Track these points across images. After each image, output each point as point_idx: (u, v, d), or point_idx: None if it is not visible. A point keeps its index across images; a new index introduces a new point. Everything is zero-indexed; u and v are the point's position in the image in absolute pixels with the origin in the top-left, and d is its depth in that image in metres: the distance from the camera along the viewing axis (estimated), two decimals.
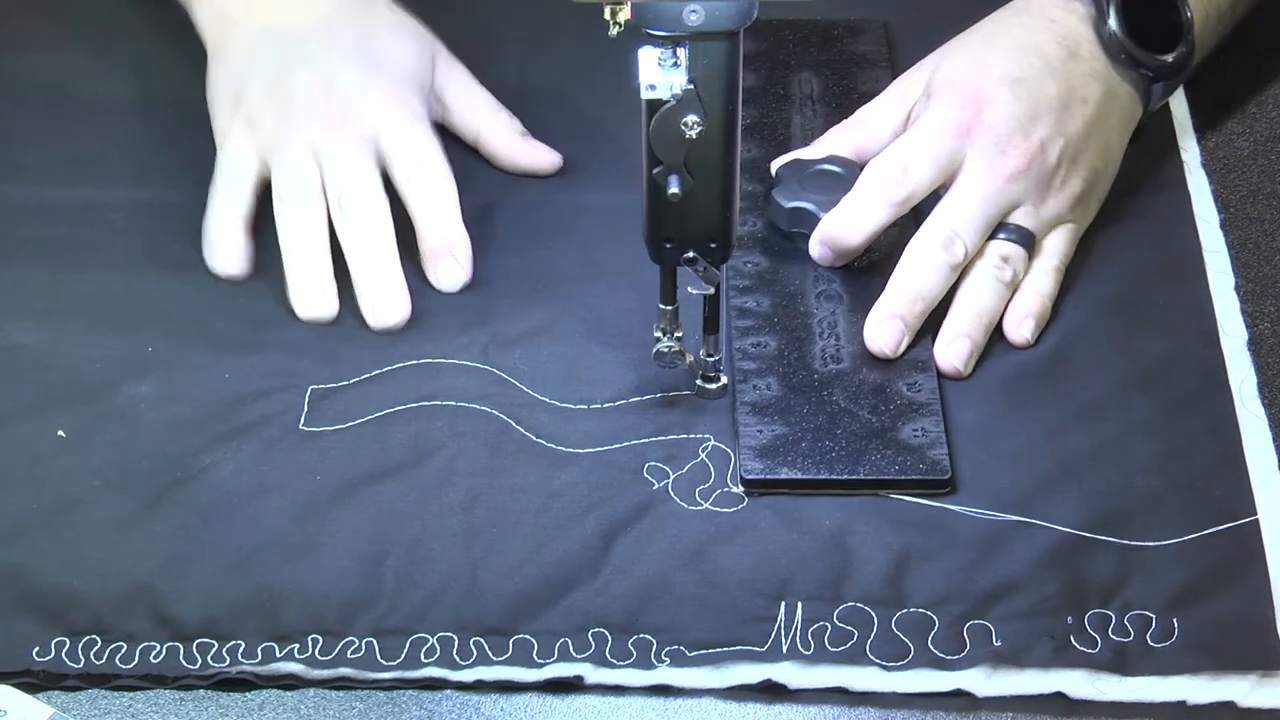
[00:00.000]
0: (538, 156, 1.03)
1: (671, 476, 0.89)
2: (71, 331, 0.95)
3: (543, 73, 1.10)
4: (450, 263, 0.97)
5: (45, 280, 0.98)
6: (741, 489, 0.88)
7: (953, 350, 0.93)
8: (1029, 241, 0.95)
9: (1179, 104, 1.07)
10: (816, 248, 0.96)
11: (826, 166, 0.98)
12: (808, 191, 0.97)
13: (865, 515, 0.87)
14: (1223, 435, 0.90)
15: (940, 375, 0.92)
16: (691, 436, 0.90)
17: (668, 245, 0.87)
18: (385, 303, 0.95)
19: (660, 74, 0.81)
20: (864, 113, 1.01)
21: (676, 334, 0.90)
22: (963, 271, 0.95)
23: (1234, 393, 0.91)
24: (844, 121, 1.01)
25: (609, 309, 0.96)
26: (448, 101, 1.04)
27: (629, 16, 0.80)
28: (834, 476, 0.88)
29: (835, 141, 1.00)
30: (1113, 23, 0.98)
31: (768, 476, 0.88)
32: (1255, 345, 0.94)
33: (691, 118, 0.82)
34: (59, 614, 0.83)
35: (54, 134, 1.06)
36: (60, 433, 0.90)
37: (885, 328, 0.93)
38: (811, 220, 0.96)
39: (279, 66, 1.00)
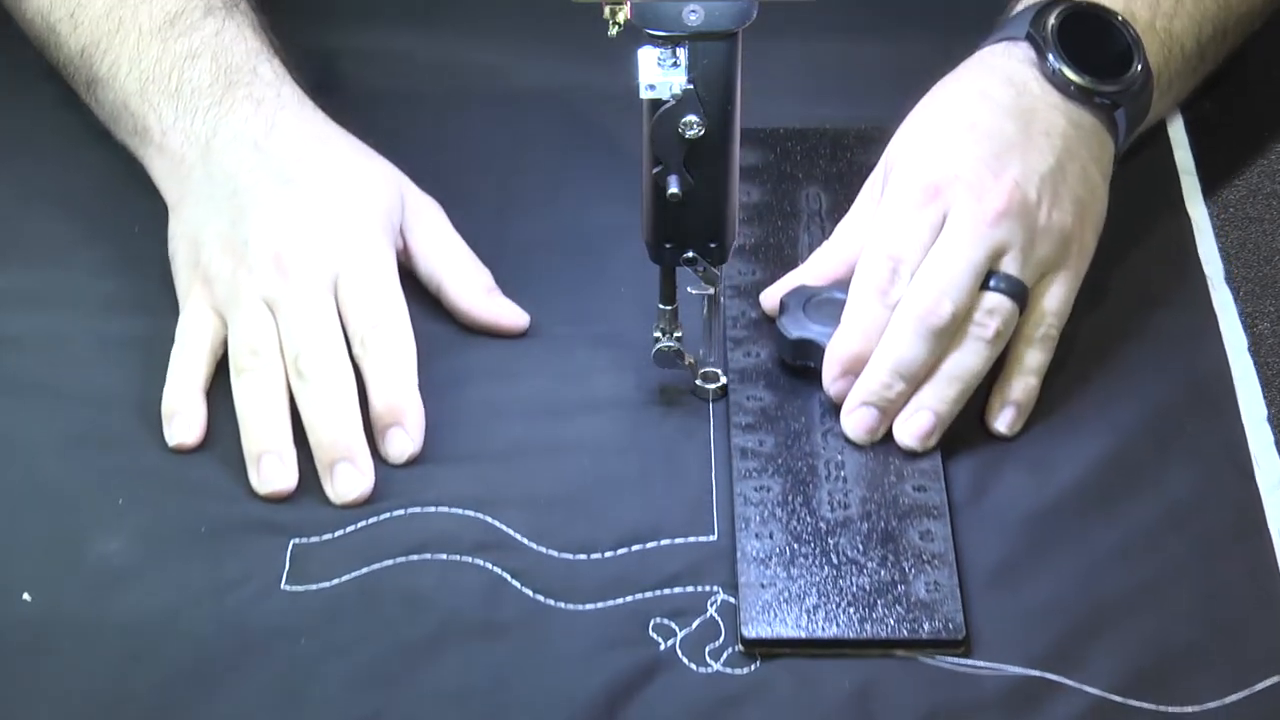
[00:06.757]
0: (501, 315, 0.97)
1: (679, 635, 0.84)
2: (37, 480, 0.90)
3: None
4: (398, 433, 0.90)
5: (5, 424, 0.92)
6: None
7: (911, 425, 0.90)
8: (1019, 291, 0.91)
9: (1196, 208, 1.03)
10: (836, 383, 0.91)
11: (834, 294, 0.93)
12: (814, 322, 0.92)
13: (888, 675, 0.82)
14: (1263, 577, 0.85)
15: (952, 515, 0.87)
16: (698, 589, 0.85)
17: (667, 245, 0.87)
18: (345, 479, 0.89)
19: (660, 74, 0.82)
20: (843, 227, 0.97)
21: (676, 334, 0.90)
22: None
23: (1271, 532, 0.87)
24: (826, 242, 0.97)
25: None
26: (412, 247, 0.98)
27: (629, 16, 0.81)
28: (840, 636, 0.83)
29: (822, 263, 0.96)
30: (1051, 58, 0.95)
31: (769, 636, 0.83)
32: (1255, 345, 0.92)
33: (691, 118, 0.83)
34: None
35: (13, 260, 1.01)
36: (26, 596, 0.85)
37: (856, 417, 0.90)
38: (818, 352, 0.91)
39: (235, 215, 0.95)
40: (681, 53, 0.82)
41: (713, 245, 0.87)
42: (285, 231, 0.93)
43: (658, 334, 0.90)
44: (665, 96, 0.82)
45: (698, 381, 0.92)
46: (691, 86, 0.82)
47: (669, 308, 0.90)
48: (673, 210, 0.86)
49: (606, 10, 0.81)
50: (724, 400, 0.93)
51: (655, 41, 0.82)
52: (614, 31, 0.81)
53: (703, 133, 0.84)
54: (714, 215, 0.87)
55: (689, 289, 0.89)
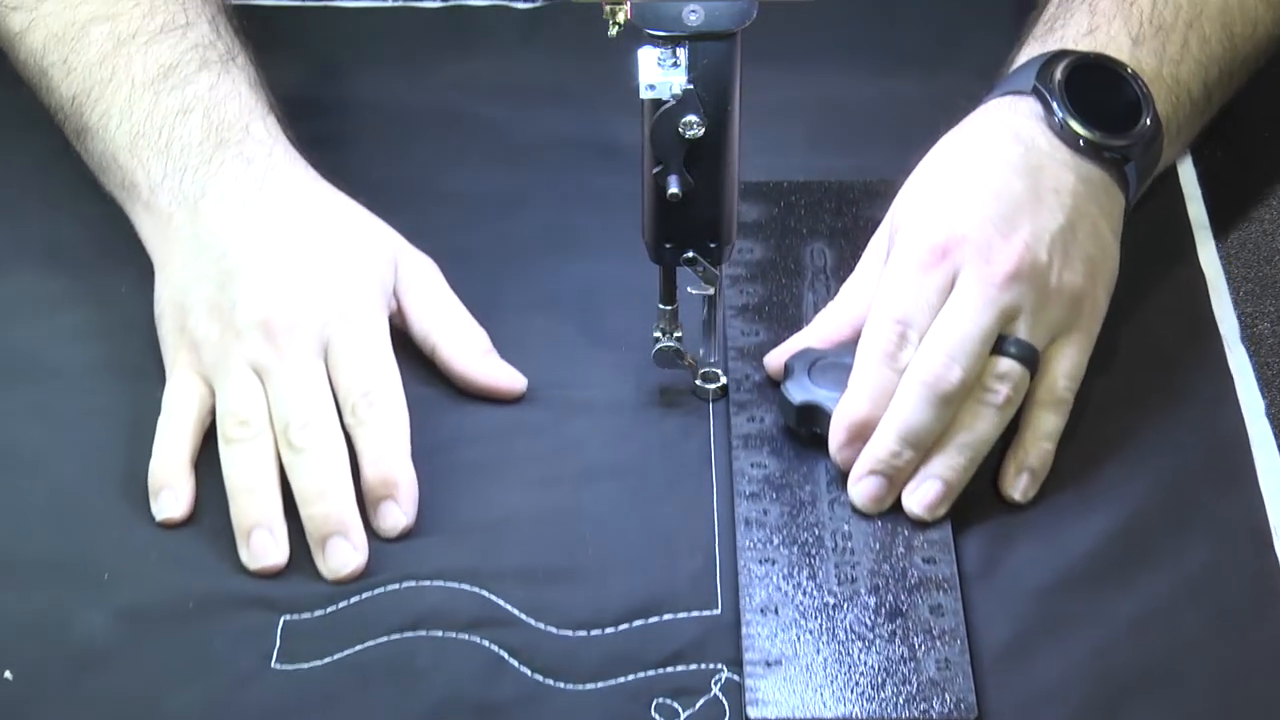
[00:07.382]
0: (499, 378, 0.94)
1: (682, 715, 0.81)
2: (20, 554, 0.87)
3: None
4: (391, 506, 0.88)
5: None
6: None
7: (920, 494, 0.87)
8: (1030, 356, 0.88)
9: (1210, 263, 1.00)
10: (842, 450, 0.88)
11: (840, 359, 0.90)
12: (819, 387, 0.90)
13: None
14: None
15: (962, 589, 0.85)
16: (702, 667, 0.83)
17: (667, 245, 0.88)
18: (338, 554, 0.86)
19: (660, 74, 0.83)
20: (848, 287, 0.95)
21: (676, 334, 0.91)
22: None
23: None
24: (831, 302, 0.95)
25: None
26: (406, 308, 0.95)
27: (629, 16, 0.82)
28: (848, 716, 0.80)
29: (827, 324, 0.93)
30: (1059, 112, 0.93)
31: (776, 717, 0.80)
32: (1255, 345, 0.91)
33: (691, 118, 0.84)
34: None
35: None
36: (7, 674, 0.83)
37: (863, 486, 0.87)
38: (824, 418, 0.89)
39: (223, 278, 0.92)
40: (681, 53, 0.83)
41: (712, 245, 0.88)
42: (274, 296, 0.91)
43: (658, 334, 0.90)
44: (665, 96, 0.83)
45: (698, 381, 0.92)
46: (691, 86, 0.83)
47: (669, 308, 0.90)
48: (673, 210, 0.86)
49: (606, 10, 0.81)
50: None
51: (655, 41, 0.82)
52: (614, 31, 0.81)
53: (702, 133, 0.84)
54: (713, 215, 0.87)
55: (689, 289, 0.89)
